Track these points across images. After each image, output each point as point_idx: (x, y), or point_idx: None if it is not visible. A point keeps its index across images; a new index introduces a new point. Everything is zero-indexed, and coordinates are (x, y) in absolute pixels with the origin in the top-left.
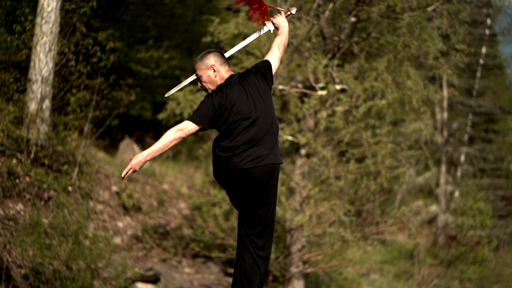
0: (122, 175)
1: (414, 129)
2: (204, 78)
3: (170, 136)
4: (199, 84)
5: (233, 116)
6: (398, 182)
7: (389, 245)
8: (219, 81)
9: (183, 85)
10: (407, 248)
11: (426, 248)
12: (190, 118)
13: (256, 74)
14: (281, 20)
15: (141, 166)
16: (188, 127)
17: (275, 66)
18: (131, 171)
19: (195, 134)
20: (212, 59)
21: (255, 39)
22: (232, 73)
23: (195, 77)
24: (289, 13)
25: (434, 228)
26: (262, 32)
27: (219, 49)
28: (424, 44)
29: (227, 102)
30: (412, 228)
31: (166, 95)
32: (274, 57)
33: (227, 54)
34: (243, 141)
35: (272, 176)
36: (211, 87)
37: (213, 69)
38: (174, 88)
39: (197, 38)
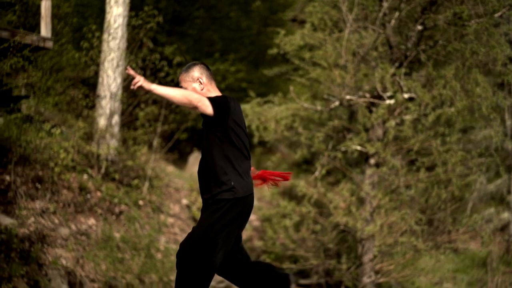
0: (132, 85)
1: (484, 136)
2: (189, 90)
3: (186, 95)
4: None
5: (240, 133)
6: (470, 190)
7: (461, 253)
8: (206, 94)
9: None
10: (480, 256)
11: (499, 255)
12: (212, 101)
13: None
14: None
15: (144, 89)
16: (205, 104)
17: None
18: (139, 83)
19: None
20: (197, 72)
21: None
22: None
23: None
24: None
25: (507, 236)
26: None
27: (285, 60)
28: (492, 51)
29: (236, 115)
30: (484, 236)
31: None
32: None
33: None
34: (243, 168)
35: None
36: None
37: (199, 81)
38: None
39: (263, 50)
